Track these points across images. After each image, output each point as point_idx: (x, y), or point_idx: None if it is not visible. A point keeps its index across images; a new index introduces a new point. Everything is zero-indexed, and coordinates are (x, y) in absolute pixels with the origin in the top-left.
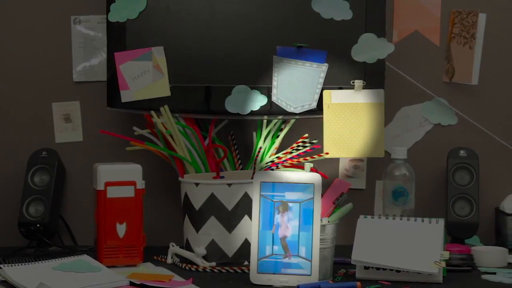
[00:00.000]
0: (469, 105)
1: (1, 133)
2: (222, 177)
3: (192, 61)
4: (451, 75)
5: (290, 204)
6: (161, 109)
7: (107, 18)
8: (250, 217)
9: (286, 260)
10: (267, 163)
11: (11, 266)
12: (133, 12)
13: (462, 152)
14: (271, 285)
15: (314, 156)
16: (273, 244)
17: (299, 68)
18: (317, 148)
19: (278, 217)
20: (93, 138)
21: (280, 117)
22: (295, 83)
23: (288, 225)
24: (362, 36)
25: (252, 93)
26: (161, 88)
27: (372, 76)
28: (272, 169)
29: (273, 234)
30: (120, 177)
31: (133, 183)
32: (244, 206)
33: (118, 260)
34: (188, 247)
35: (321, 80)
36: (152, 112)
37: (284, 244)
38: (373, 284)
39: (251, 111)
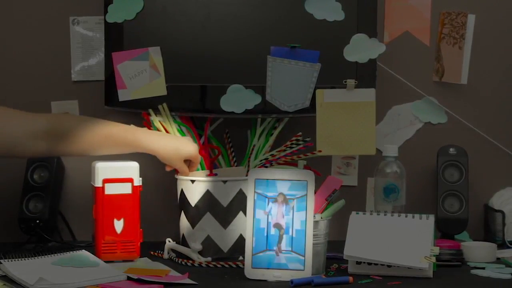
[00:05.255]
0: (459, 104)
1: None
2: (216, 174)
3: (188, 61)
4: (441, 75)
5: (289, 199)
6: (159, 107)
7: (104, 19)
8: (245, 213)
9: (277, 256)
10: (261, 160)
11: (11, 261)
12: (130, 13)
13: (451, 150)
14: (265, 280)
15: (307, 154)
16: (267, 240)
17: (292, 67)
18: (310, 146)
19: (273, 205)
20: None
21: (274, 115)
22: (289, 82)
23: (283, 214)
24: (354, 37)
25: (247, 92)
26: (158, 87)
27: (364, 75)
28: (266, 167)
29: (267, 229)
30: (118, 174)
31: (130, 180)
32: (239, 203)
33: (116, 255)
34: (184, 243)
35: (314, 80)
36: (150, 110)
37: (280, 233)
38: (365, 279)
39: (246, 109)
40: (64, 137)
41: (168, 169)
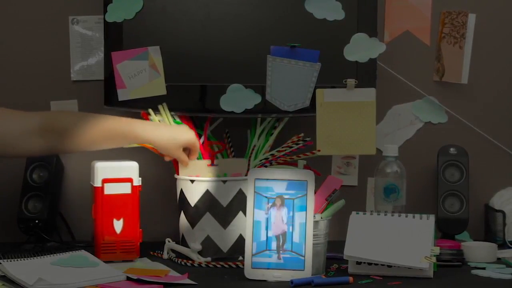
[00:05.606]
0: (459, 103)
1: None
2: (216, 165)
3: (187, 61)
4: (441, 74)
5: (286, 198)
6: (159, 106)
7: (104, 19)
8: (245, 213)
9: (277, 259)
10: (261, 160)
11: (11, 261)
12: (129, 12)
13: (452, 150)
14: (265, 280)
15: (307, 154)
16: (267, 240)
17: (292, 67)
18: (310, 146)
19: (273, 212)
20: None
21: (274, 115)
22: (289, 82)
23: (284, 219)
24: (354, 36)
25: (247, 92)
26: (157, 87)
27: (364, 75)
28: (266, 166)
29: (267, 230)
30: (117, 174)
31: (130, 180)
32: (239, 203)
33: (115, 255)
34: (183, 243)
35: (314, 79)
36: (150, 110)
37: (280, 243)
38: (365, 279)
39: (246, 109)
40: (60, 133)
41: (167, 159)
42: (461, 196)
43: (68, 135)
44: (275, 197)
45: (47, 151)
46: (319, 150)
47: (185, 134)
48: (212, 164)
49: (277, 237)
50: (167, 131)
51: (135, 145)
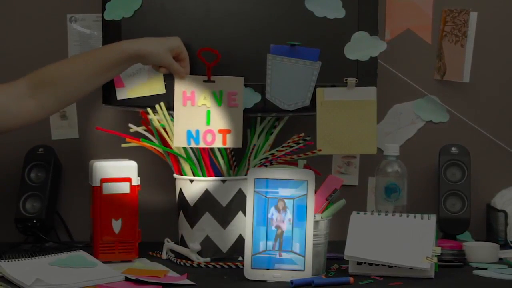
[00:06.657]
0: (461, 102)
1: None
2: (213, 81)
3: None
4: (442, 73)
5: (287, 203)
6: (157, 106)
7: (102, 17)
8: (244, 213)
9: (279, 256)
10: (261, 160)
11: (8, 261)
12: (128, 10)
13: (453, 149)
14: (265, 281)
15: (308, 153)
16: (267, 240)
17: (292, 66)
18: (310, 145)
19: (275, 213)
20: (89, 135)
21: (273, 114)
22: (289, 80)
23: (284, 221)
24: (355, 34)
25: (246, 91)
26: (156, 86)
27: (365, 74)
28: (266, 166)
29: (267, 230)
30: (116, 174)
31: (128, 180)
32: (238, 202)
33: (114, 255)
34: (183, 243)
35: (314, 78)
36: (148, 109)
37: (279, 237)
38: (365, 279)
39: (245, 108)
40: (50, 84)
41: (162, 70)
42: (463, 196)
43: (59, 82)
44: (278, 199)
45: (47, 111)
46: (319, 150)
47: (171, 39)
48: (208, 80)
49: (277, 233)
50: (152, 39)
51: (134, 144)
